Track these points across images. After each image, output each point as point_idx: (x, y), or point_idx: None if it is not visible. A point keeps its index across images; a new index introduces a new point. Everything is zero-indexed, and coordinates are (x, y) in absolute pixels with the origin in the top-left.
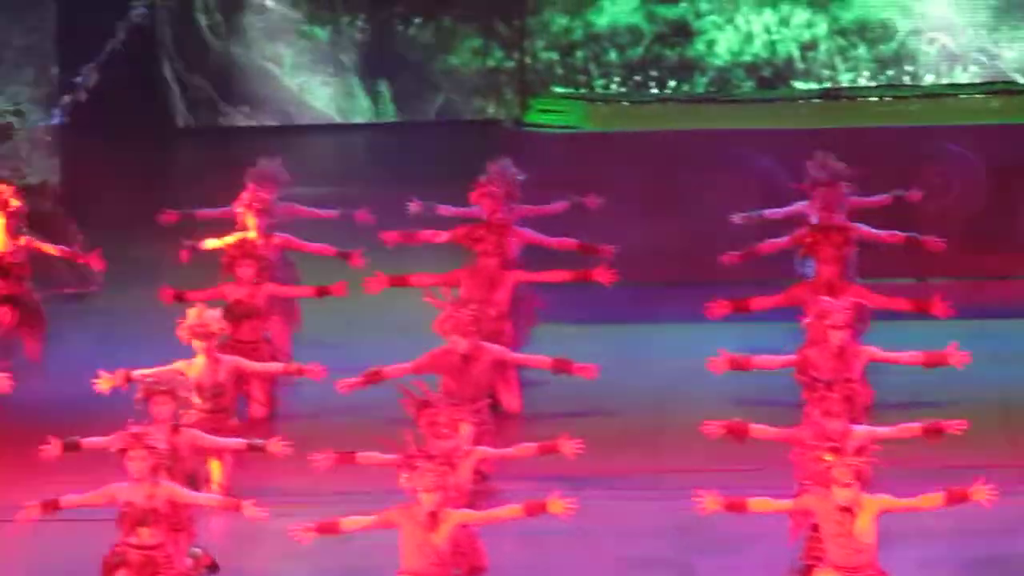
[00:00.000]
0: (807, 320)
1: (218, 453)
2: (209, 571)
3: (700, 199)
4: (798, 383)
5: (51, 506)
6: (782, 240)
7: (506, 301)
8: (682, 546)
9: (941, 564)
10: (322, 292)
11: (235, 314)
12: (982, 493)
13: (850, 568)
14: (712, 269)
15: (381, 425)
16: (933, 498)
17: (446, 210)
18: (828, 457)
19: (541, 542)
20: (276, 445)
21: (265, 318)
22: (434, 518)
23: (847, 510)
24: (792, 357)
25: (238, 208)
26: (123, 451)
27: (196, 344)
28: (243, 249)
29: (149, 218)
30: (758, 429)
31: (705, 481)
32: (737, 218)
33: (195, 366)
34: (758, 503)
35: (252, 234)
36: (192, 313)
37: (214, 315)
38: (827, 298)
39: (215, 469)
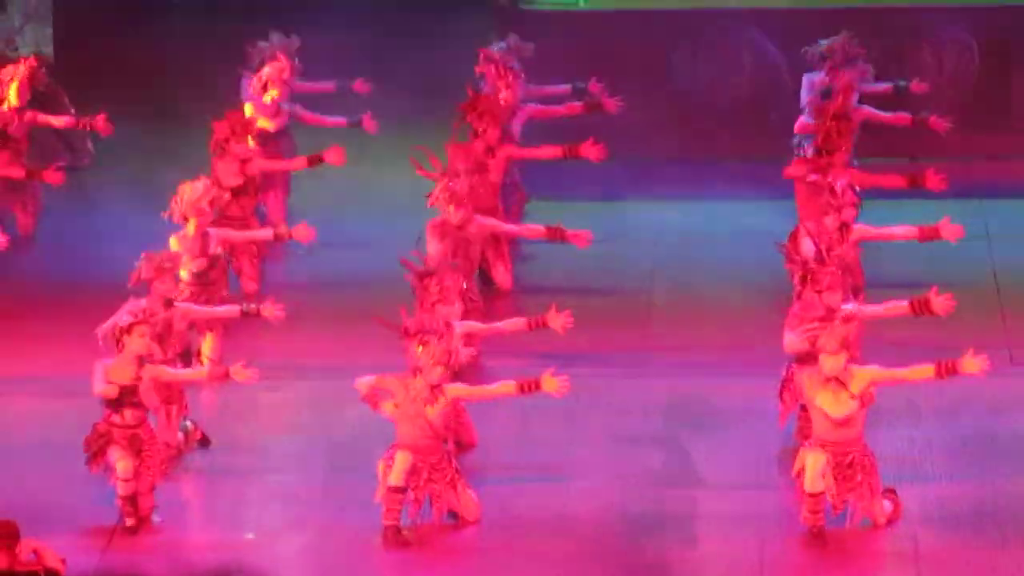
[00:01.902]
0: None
1: (211, 324)
2: (200, 445)
3: (695, 76)
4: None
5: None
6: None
7: (500, 173)
8: (671, 423)
9: (930, 442)
10: (313, 161)
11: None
12: (972, 365)
13: (837, 443)
14: (707, 144)
15: (370, 298)
16: (923, 370)
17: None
18: (815, 326)
19: (530, 418)
20: (269, 309)
21: (256, 193)
22: (435, 391)
23: (835, 380)
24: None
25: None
26: (130, 328)
27: (190, 224)
28: (236, 127)
29: (139, 91)
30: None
31: (694, 358)
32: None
33: (186, 239)
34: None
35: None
36: (184, 189)
37: (202, 186)
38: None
39: (206, 343)
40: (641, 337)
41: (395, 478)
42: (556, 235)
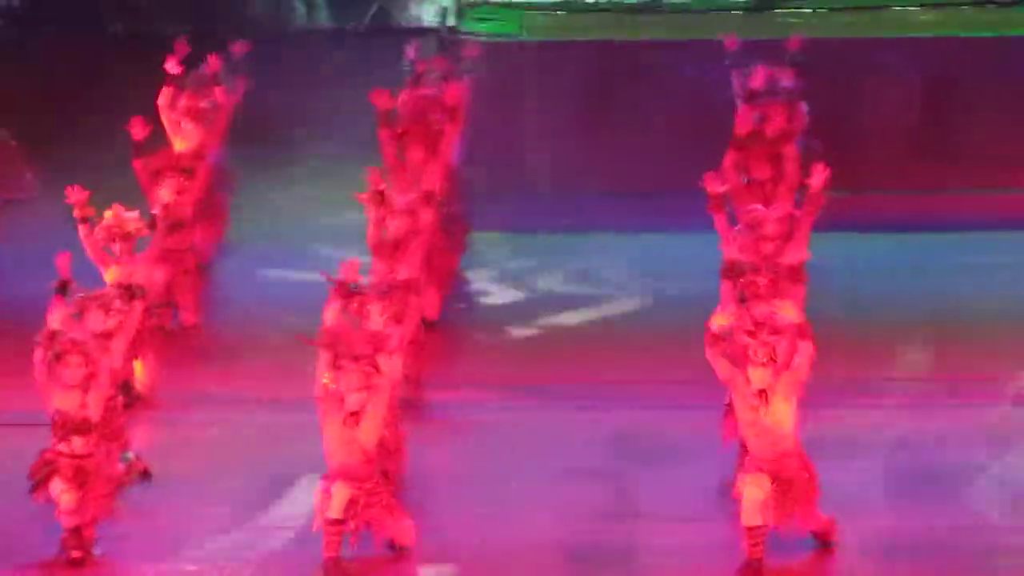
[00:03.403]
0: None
1: (140, 350)
2: (141, 477)
3: (632, 107)
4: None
5: None
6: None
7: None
8: (616, 457)
9: (869, 475)
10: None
11: (165, 223)
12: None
13: (774, 459)
14: (647, 177)
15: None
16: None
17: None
18: (746, 338)
19: (474, 450)
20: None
21: (192, 226)
22: (355, 417)
23: (762, 394)
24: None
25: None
26: (59, 357)
27: (115, 246)
28: (170, 161)
29: (79, 122)
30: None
31: (640, 391)
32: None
33: (113, 270)
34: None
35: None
36: (109, 215)
37: (131, 216)
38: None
39: (138, 369)
40: (585, 371)
41: (334, 511)
42: None
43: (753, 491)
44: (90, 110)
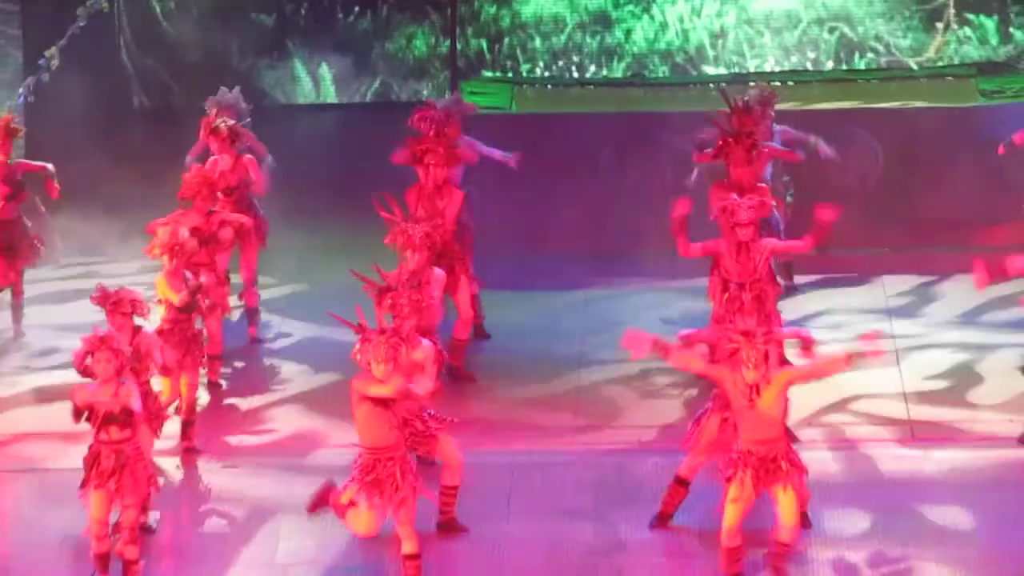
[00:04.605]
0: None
1: (167, 369)
2: (143, 531)
3: (619, 175)
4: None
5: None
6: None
7: (453, 217)
8: (600, 498)
9: (851, 515)
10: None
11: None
12: (875, 346)
13: (762, 442)
14: (630, 238)
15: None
16: (836, 361)
17: (398, 156)
18: (738, 339)
19: (466, 492)
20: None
21: (218, 243)
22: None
23: (755, 387)
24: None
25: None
26: (90, 353)
27: (165, 260)
28: (201, 183)
29: (105, 192)
30: (681, 355)
31: (621, 437)
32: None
33: (163, 280)
34: (680, 357)
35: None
36: (163, 231)
37: (184, 232)
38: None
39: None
40: (571, 417)
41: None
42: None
43: (733, 510)
44: (119, 179)
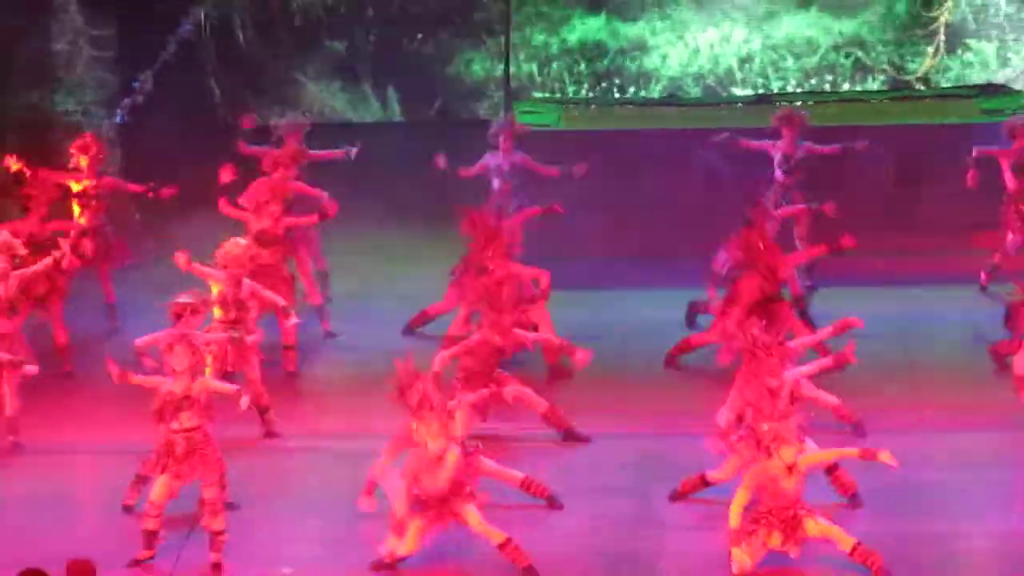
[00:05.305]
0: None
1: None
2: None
3: (656, 186)
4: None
5: (124, 376)
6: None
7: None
8: (641, 477)
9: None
10: (323, 216)
11: (260, 242)
12: (887, 456)
13: (781, 501)
14: (665, 243)
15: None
16: (849, 452)
17: (465, 172)
18: (765, 426)
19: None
20: (244, 401)
21: (286, 246)
22: (440, 459)
23: (792, 468)
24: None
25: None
26: (170, 346)
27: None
28: (271, 192)
29: (197, 202)
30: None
31: (660, 421)
32: (716, 139)
33: (222, 284)
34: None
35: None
36: (228, 243)
37: (245, 243)
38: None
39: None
40: (615, 404)
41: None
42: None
43: (741, 558)
44: (202, 187)
